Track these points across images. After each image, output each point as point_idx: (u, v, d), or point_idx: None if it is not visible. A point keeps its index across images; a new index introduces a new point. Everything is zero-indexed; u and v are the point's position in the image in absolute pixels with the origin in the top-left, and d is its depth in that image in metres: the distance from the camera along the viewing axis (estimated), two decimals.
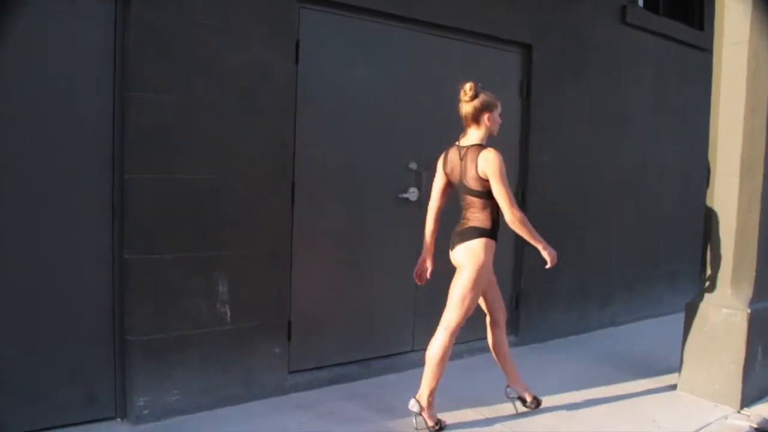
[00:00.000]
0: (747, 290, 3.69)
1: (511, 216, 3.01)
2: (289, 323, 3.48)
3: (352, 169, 3.68)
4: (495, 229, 3.14)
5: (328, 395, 3.50)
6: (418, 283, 3.44)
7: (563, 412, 3.46)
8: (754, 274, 3.69)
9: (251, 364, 3.32)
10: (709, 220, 3.81)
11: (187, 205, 3.10)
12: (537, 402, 3.45)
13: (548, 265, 3.10)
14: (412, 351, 4.02)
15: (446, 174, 3.23)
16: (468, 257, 3.09)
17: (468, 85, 3.07)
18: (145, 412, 3.03)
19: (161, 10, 2.98)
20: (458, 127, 4.12)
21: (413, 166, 3.90)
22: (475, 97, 3.06)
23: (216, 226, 3.18)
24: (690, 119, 5.47)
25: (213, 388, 3.20)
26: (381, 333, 3.88)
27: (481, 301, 3.37)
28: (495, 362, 3.52)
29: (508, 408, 3.45)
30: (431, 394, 3.13)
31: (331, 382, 3.61)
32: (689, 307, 3.86)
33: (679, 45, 5.33)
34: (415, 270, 3.41)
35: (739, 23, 3.62)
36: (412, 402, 3.14)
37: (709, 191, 3.80)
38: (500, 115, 3.17)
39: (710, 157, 3.79)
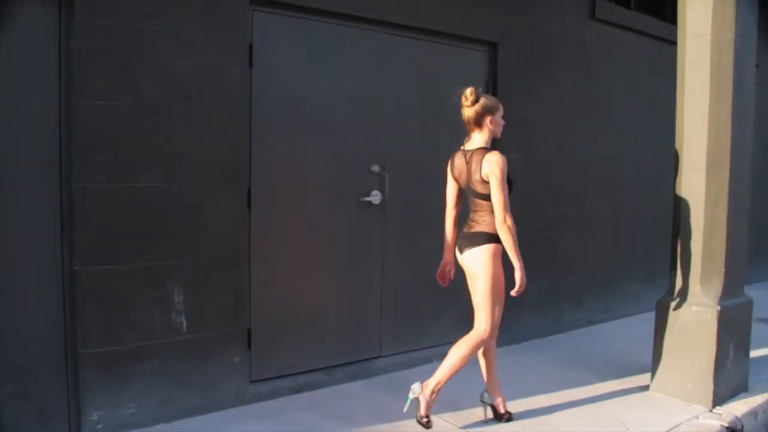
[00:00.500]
0: (717, 287, 3.63)
1: (502, 219, 3.02)
2: (249, 331, 3.41)
3: (312, 172, 3.62)
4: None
5: (290, 404, 3.43)
6: (442, 285, 3.45)
7: (530, 418, 3.39)
8: (723, 270, 3.63)
9: (210, 375, 3.25)
10: (677, 216, 3.75)
11: (139, 214, 3.04)
12: (509, 416, 3.36)
13: (515, 291, 3.04)
14: (380, 357, 3.96)
15: (455, 178, 3.28)
16: (479, 265, 3.12)
17: (468, 90, 3.12)
18: (99, 426, 2.96)
19: (107, 15, 2.91)
20: (421, 128, 4.11)
21: (375, 168, 3.84)
22: (476, 101, 3.10)
23: (169, 234, 3.11)
24: (665, 114, 5.37)
25: (170, 400, 3.14)
26: (346, 339, 3.81)
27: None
28: (477, 366, 3.42)
29: (476, 414, 3.38)
30: (439, 384, 3.13)
31: (294, 390, 3.54)
32: (660, 305, 3.80)
33: (651, 39, 5.27)
34: (438, 272, 3.44)
35: (701, 15, 3.57)
36: (416, 385, 3.15)
37: (676, 187, 3.74)
38: (502, 117, 3.21)
39: (676, 152, 3.74)
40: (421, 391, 3.13)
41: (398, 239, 3.97)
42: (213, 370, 3.26)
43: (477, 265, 3.12)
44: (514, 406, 3.43)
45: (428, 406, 3.13)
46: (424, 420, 3.11)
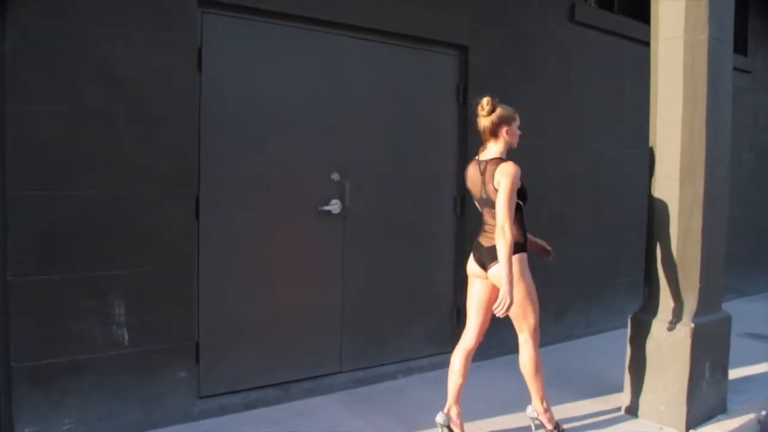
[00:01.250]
0: (691, 303, 3.44)
1: (501, 226, 2.88)
2: (197, 345, 3.28)
3: (267, 180, 3.49)
4: (524, 240, 3.10)
5: (239, 422, 3.28)
6: (550, 260, 3.52)
7: None
8: (699, 285, 3.45)
9: (154, 390, 3.12)
10: (651, 227, 3.59)
11: (79, 222, 2.93)
12: None
13: (500, 311, 2.87)
14: (340, 372, 3.81)
15: (469, 189, 3.18)
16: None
17: (485, 100, 3.05)
18: None
19: (42, 17, 2.80)
20: (385, 135, 3.96)
21: (335, 177, 3.70)
22: (492, 111, 3.03)
23: (111, 244, 2.99)
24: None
25: (110, 416, 3.01)
26: (303, 354, 3.66)
27: (476, 316, 3.20)
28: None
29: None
30: (543, 399, 3.23)
31: (246, 407, 3.40)
32: (633, 321, 3.63)
33: (635, 43, 5.09)
34: (540, 255, 3.47)
35: (673, 16, 3.41)
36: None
37: (649, 196, 3.57)
38: (519, 128, 3.14)
39: (650, 160, 3.57)
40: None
41: (360, 250, 3.83)
42: (157, 385, 3.13)
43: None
44: (476, 428, 3.28)
45: (550, 420, 3.27)
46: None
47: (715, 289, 3.58)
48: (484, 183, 3.02)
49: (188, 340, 3.23)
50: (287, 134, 3.54)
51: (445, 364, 4.16)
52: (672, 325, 3.42)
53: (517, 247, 3.00)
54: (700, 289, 3.45)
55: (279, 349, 3.57)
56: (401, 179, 4.00)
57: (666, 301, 3.50)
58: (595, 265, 5.07)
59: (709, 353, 3.49)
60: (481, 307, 3.18)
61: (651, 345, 3.51)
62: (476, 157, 3.14)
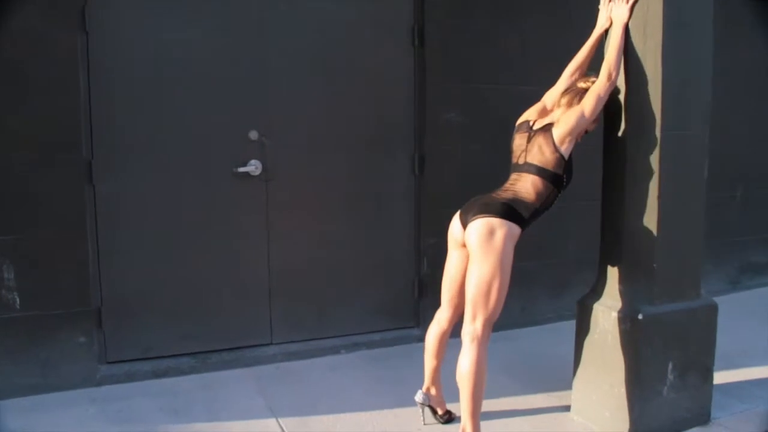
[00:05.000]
0: (644, 287, 2.74)
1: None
2: (99, 311, 3.25)
3: (172, 142, 3.31)
4: (534, 215, 2.63)
5: (140, 390, 3.21)
6: None
7: None
8: (654, 264, 2.72)
9: (49, 354, 3.14)
10: (603, 192, 2.89)
11: None
12: (449, 416, 2.93)
13: None
14: (270, 344, 3.59)
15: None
16: (491, 242, 2.51)
17: (592, 78, 2.69)
18: None
19: None
20: (315, 88, 3.56)
21: (254, 135, 3.41)
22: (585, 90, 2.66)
23: None
24: None
25: (6, 377, 3.06)
26: (225, 323, 3.49)
27: (448, 292, 2.79)
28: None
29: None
30: (476, 429, 2.56)
31: (156, 375, 3.32)
32: (579, 307, 2.99)
33: None
34: None
35: None
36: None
37: (603, 153, 2.87)
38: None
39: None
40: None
41: (289, 215, 3.53)
42: (53, 350, 3.15)
43: (488, 242, 2.50)
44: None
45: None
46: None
47: (686, 271, 2.82)
48: (527, 148, 2.65)
49: (85, 305, 3.19)
50: (193, 91, 3.31)
51: (404, 341, 3.83)
52: (618, 314, 2.75)
53: (518, 217, 2.54)
54: (657, 270, 2.72)
55: (196, 318, 3.44)
56: (342, 136, 3.61)
57: (613, 284, 2.83)
58: (582, 238, 4.21)
59: (675, 350, 2.77)
60: (454, 283, 2.73)
61: (597, 337, 2.87)
62: (527, 121, 2.74)
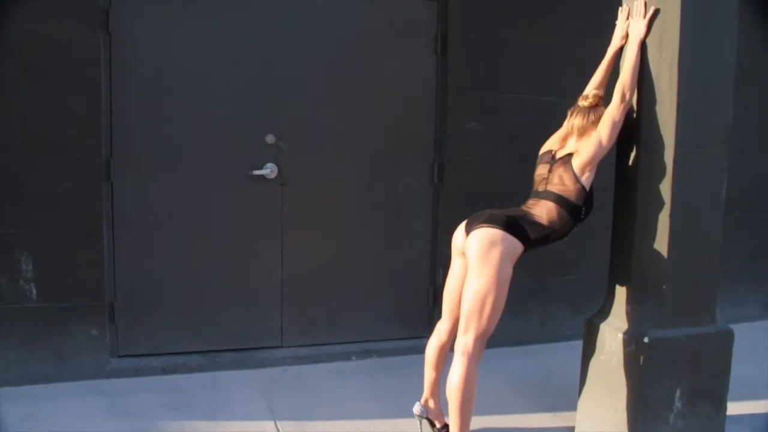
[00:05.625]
0: (654, 311, 2.62)
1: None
2: (112, 305, 3.33)
3: (190, 143, 3.36)
4: (544, 239, 2.58)
5: (147, 385, 3.27)
6: None
7: None
8: (664, 286, 2.60)
9: (63, 345, 3.23)
10: (614, 207, 2.79)
11: None
12: (447, 429, 2.82)
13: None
14: (280, 347, 3.61)
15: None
16: (490, 254, 2.43)
17: (593, 93, 2.67)
18: None
19: None
20: (332, 93, 3.57)
21: (270, 139, 3.44)
22: (594, 106, 2.62)
23: (18, 204, 3.12)
24: None
25: (18, 366, 3.18)
26: (236, 324, 3.52)
27: (449, 303, 2.73)
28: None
29: None
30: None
31: (165, 371, 3.38)
32: (587, 326, 2.88)
33: None
34: None
35: None
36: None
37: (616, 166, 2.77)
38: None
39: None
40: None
41: (304, 219, 3.54)
42: (67, 341, 3.24)
43: (486, 253, 2.42)
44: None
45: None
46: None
47: (699, 295, 2.68)
48: (548, 178, 2.60)
49: (99, 299, 3.28)
50: (212, 93, 3.36)
51: (417, 350, 3.77)
52: (624, 336, 2.64)
53: (524, 233, 2.47)
54: (667, 292, 2.60)
55: (207, 317, 3.48)
56: (360, 143, 3.60)
57: (621, 305, 2.72)
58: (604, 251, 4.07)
59: (684, 377, 2.64)
60: (454, 294, 2.65)
61: (603, 358, 2.76)
62: (550, 151, 2.68)
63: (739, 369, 3.48)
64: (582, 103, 2.63)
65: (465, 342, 2.47)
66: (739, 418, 2.99)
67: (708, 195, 2.63)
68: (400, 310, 3.78)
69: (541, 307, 3.97)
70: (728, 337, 2.70)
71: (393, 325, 3.77)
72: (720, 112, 2.62)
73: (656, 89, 2.54)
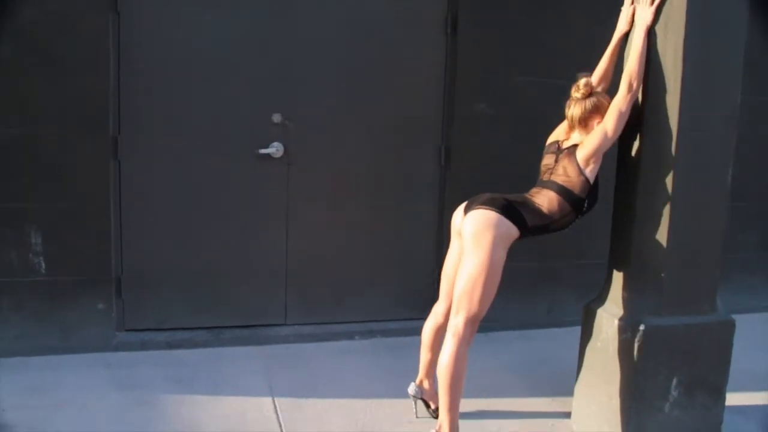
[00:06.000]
0: (652, 298, 2.59)
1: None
2: (119, 280, 3.40)
3: (197, 122, 3.39)
4: (541, 227, 2.56)
5: (152, 359, 3.33)
6: None
7: None
8: (663, 274, 2.55)
9: (70, 318, 3.31)
10: (616, 191, 2.75)
11: None
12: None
13: None
14: (284, 325, 3.65)
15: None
16: (484, 235, 2.43)
17: (582, 81, 2.62)
18: None
19: None
20: (348, 75, 3.57)
21: (276, 118, 3.44)
22: (588, 95, 2.58)
23: (27, 179, 3.19)
24: None
25: (28, 337, 3.27)
26: (242, 301, 3.57)
27: (446, 284, 2.73)
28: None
29: None
30: (452, 423, 2.48)
31: (170, 346, 3.44)
32: (584, 311, 2.86)
33: None
34: None
35: None
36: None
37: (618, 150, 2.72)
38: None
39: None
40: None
41: (308, 200, 3.56)
42: (73, 314, 3.31)
43: (481, 235, 2.42)
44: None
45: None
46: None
47: (700, 283, 2.63)
48: (553, 168, 2.58)
49: (105, 274, 3.34)
50: (220, 72, 3.37)
51: (420, 332, 3.77)
52: (620, 322, 2.61)
53: (521, 220, 2.47)
54: (666, 280, 2.56)
55: (212, 293, 3.53)
56: (367, 124, 3.59)
57: (617, 291, 2.68)
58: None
59: (681, 366, 2.61)
60: (451, 275, 2.65)
61: (599, 344, 2.74)
62: (556, 141, 2.66)
63: (749, 359, 3.46)
64: (575, 94, 2.59)
65: (456, 323, 2.47)
66: (745, 409, 2.96)
67: (712, 181, 2.58)
68: (404, 291, 3.78)
69: (549, 292, 3.94)
70: (729, 327, 2.65)
71: (397, 305, 3.78)
72: (726, 96, 2.55)
73: (660, 73, 2.48)
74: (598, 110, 2.54)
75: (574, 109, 2.59)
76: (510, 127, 3.67)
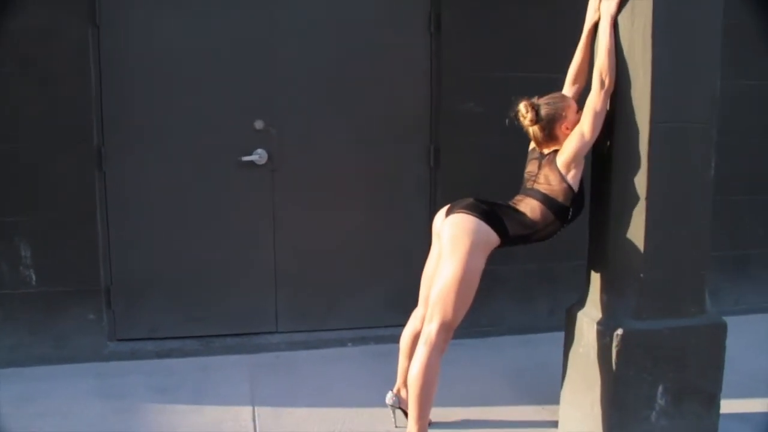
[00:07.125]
0: (630, 300, 2.44)
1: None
2: (108, 290, 3.42)
3: (180, 130, 3.39)
4: (522, 237, 2.46)
5: (140, 368, 3.34)
6: None
7: None
8: (641, 274, 2.40)
9: (62, 328, 3.35)
10: (593, 192, 2.60)
11: None
12: None
13: None
14: (276, 332, 3.61)
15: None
16: (460, 239, 2.35)
17: (522, 107, 2.48)
18: None
19: None
20: (330, 77, 3.52)
21: (259, 125, 3.41)
22: (537, 117, 2.46)
23: (13, 192, 3.24)
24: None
25: (21, 347, 3.32)
26: (231, 309, 3.54)
27: (425, 289, 2.65)
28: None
29: None
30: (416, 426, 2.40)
31: (159, 355, 3.44)
32: (567, 314, 2.72)
33: None
34: None
35: None
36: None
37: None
38: (577, 112, 2.47)
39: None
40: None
41: (294, 206, 3.51)
42: (65, 325, 3.35)
43: (458, 239, 2.34)
44: (440, 414, 2.81)
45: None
46: None
47: (685, 284, 2.46)
48: (536, 176, 2.49)
49: (95, 284, 3.36)
50: (201, 80, 3.37)
51: None
52: (598, 326, 2.47)
53: (501, 224, 2.37)
54: (645, 281, 2.40)
55: (202, 302, 3.52)
56: (352, 126, 3.52)
57: (596, 294, 2.54)
58: None
59: (668, 372, 2.45)
60: (429, 280, 2.56)
61: (581, 350, 2.60)
62: (537, 149, 2.56)
63: (756, 362, 3.25)
64: (524, 122, 2.47)
65: (429, 331, 2.38)
66: (746, 416, 2.78)
67: (692, 174, 2.41)
68: (397, 297, 3.68)
69: (549, 294, 3.79)
70: (719, 329, 2.48)
71: (390, 311, 3.68)
72: (705, 81, 2.38)
73: (629, 63, 2.34)
74: (557, 118, 2.44)
75: (534, 133, 2.50)
76: (500, 125, 3.46)
